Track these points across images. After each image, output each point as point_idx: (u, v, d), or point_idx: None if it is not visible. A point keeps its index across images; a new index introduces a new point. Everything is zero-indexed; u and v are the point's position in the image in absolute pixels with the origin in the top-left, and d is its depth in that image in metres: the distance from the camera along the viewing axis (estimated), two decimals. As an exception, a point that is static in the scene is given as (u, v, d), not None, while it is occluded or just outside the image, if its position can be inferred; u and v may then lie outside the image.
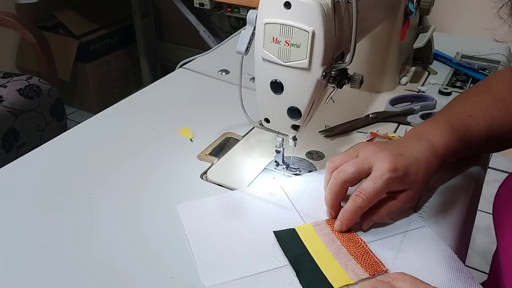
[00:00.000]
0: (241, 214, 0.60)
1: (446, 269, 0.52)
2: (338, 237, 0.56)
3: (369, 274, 0.51)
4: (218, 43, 0.99)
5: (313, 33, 0.54)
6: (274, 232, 0.57)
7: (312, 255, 0.54)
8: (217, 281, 0.51)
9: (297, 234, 0.57)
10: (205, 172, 0.68)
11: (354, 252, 0.54)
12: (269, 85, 0.60)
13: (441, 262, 0.53)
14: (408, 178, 0.57)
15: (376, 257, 0.54)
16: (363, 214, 0.57)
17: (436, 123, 0.64)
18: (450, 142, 0.62)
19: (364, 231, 0.58)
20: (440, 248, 0.55)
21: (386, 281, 0.48)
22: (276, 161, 0.69)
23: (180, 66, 0.99)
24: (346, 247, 0.55)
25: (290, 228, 0.58)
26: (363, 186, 0.56)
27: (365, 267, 0.52)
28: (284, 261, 0.54)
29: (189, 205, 0.62)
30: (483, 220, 1.76)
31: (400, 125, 0.80)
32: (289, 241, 0.56)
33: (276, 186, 0.65)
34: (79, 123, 0.80)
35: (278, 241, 0.56)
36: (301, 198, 0.63)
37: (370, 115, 0.80)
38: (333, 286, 0.50)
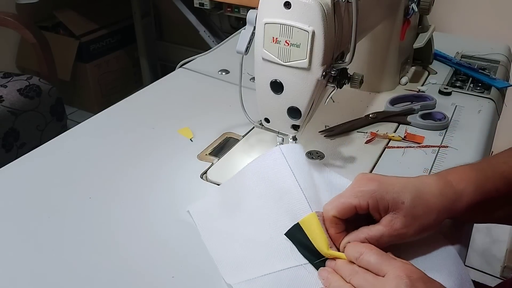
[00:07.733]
0: (251, 206, 0.58)
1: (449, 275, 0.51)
2: None
3: None
4: (218, 43, 0.99)
5: (313, 33, 0.54)
6: (286, 234, 0.55)
7: (319, 251, 0.53)
8: (241, 279, 0.51)
9: (303, 230, 0.54)
10: (205, 172, 0.68)
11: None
12: (269, 85, 0.60)
13: (445, 265, 0.52)
14: (386, 196, 0.51)
15: None
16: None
17: (458, 166, 0.56)
18: (472, 178, 0.53)
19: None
20: (448, 253, 0.54)
21: (354, 258, 0.49)
22: (276, 161, 0.69)
23: (180, 66, 0.99)
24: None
25: (295, 224, 0.55)
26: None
27: None
28: (303, 257, 0.53)
29: (198, 205, 0.61)
30: (483, 220, 1.76)
31: (400, 125, 0.80)
32: (299, 240, 0.55)
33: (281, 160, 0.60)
34: (79, 123, 0.80)
35: (292, 242, 0.55)
36: (307, 179, 0.59)
37: (370, 115, 0.80)
38: None
